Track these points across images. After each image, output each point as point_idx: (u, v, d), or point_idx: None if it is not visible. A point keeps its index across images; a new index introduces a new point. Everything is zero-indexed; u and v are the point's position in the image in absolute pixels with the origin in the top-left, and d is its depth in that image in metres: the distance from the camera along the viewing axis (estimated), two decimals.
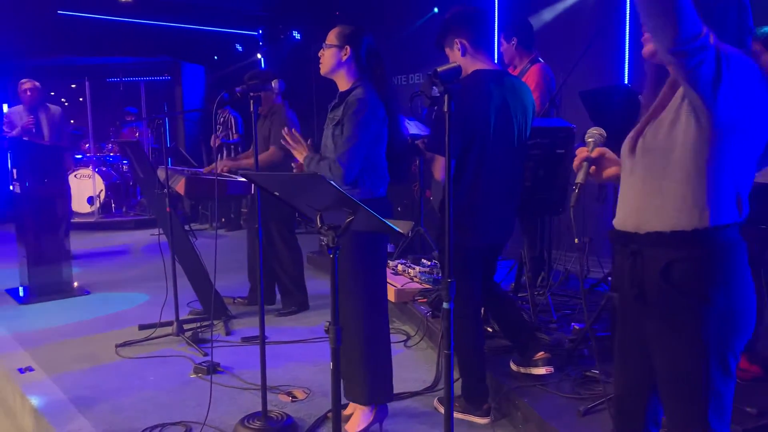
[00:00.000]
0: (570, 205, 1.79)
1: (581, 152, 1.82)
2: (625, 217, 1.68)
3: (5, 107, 10.08)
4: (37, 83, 6.22)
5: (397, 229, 2.05)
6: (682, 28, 1.36)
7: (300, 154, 2.81)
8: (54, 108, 6.33)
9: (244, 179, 4.23)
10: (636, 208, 1.64)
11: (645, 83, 1.80)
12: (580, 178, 1.78)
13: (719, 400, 1.58)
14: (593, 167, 1.81)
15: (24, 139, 5.94)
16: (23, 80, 6.22)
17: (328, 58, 2.79)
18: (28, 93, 6.15)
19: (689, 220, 1.54)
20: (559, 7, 5.86)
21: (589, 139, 1.83)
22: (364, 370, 2.80)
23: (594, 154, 1.80)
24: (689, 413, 1.60)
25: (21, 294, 5.28)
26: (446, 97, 1.71)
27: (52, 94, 11.20)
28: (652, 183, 1.60)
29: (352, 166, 2.68)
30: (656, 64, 1.68)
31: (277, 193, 2.18)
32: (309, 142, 2.83)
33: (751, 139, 1.52)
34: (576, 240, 2.03)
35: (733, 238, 1.55)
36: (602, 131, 1.83)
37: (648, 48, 1.64)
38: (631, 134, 1.68)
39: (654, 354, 1.66)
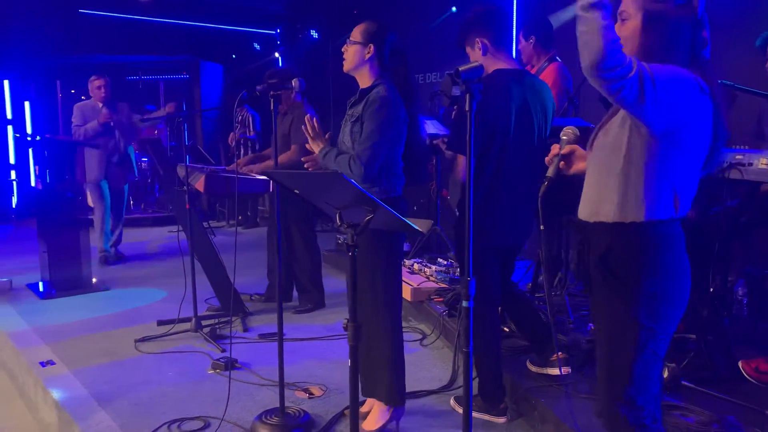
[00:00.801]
0: (539, 195, 1.98)
1: (554, 148, 2.03)
2: (582, 207, 1.89)
3: (27, 105, 10.23)
4: (106, 79, 6.30)
5: (417, 228, 2.06)
6: (602, 61, 1.55)
7: (317, 146, 2.81)
8: (122, 105, 6.44)
9: (263, 177, 4.26)
10: (588, 199, 1.86)
11: None
12: (550, 171, 2.01)
13: (645, 372, 1.77)
14: (563, 162, 2.03)
15: (99, 130, 6.13)
16: (93, 77, 6.31)
17: (351, 55, 2.79)
18: (102, 90, 6.26)
19: (627, 213, 1.74)
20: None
21: (563, 137, 2.03)
22: (387, 368, 2.81)
23: (564, 151, 2.02)
24: (612, 383, 1.80)
25: (41, 289, 5.35)
26: (468, 96, 1.71)
27: (72, 91, 11.30)
28: (600, 178, 1.81)
29: (373, 164, 2.67)
30: None
31: (297, 191, 2.20)
32: (328, 135, 2.84)
33: (691, 145, 1.70)
34: (542, 227, 2.23)
35: (667, 231, 1.74)
36: (575, 130, 2.03)
37: None
38: (593, 132, 1.88)
39: (595, 326, 1.94)
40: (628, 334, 1.76)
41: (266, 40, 10.86)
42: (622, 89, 1.58)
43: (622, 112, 1.74)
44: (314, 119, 2.83)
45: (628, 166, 1.72)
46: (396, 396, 2.84)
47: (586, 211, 1.86)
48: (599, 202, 1.80)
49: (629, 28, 1.77)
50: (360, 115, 2.72)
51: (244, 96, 3.23)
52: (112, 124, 6.18)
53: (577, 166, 2.02)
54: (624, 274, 1.74)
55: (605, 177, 1.78)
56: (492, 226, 2.81)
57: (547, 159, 2.04)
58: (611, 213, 1.76)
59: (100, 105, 6.26)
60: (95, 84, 6.29)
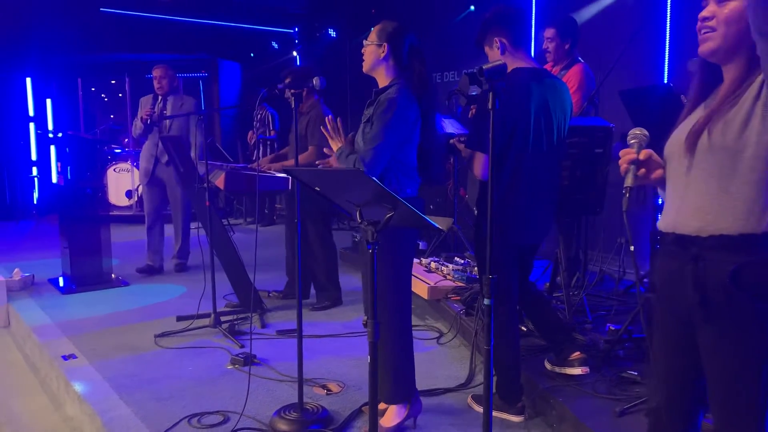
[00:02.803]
0: (623, 210, 1.69)
1: (626, 154, 1.73)
2: (681, 219, 1.62)
3: (49, 102, 10.36)
4: (164, 69, 5.78)
5: (437, 225, 2.07)
6: None
7: (335, 145, 2.83)
8: (186, 98, 5.85)
9: (283, 174, 4.30)
10: (697, 209, 1.59)
11: (690, 83, 1.78)
12: (629, 181, 1.69)
13: None
14: (642, 169, 1.72)
15: (144, 124, 5.61)
16: (154, 67, 5.82)
17: (368, 55, 2.81)
18: (157, 81, 5.75)
19: (759, 223, 1.51)
20: (598, 6, 5.80)
21: (632, 141, 1.75)
22: (390, 367, 2.83)
23: (642, 157, 1.71)
24: (744, 422, 1.58)
25: (62, 284, 5.43)
26: (491, 94, 1.71)
27: (93, 89, 11.44)
28: (717, 184, 1.55)
29: (374, 165, 2.68)
30: (709, 63, 1.66)
31: (317, 188, 2.22)
32: (350, 136, 2.86)
33: None
34: (632, 248, 1.91)
35: None
36: (645, 132, 1.77)
37: (708, 46, 1.61)
38: (686, 132, 1.64)
39: (709, 362, 1.62)
40: (760, 363, 1.53)
41: (284, 39, 10.91)
42: None
43: (745, 105, 1.52)
44: (338, 119, 2.86)
45: (758, 167, 1.50)
46: (399, 395, 2.84)
47: (693, 224, 1.59)
48: (713, 211, 1.56)
49: (732, 8, 1.55)
50: (371, 116, 2.74)
51: (264, 94, 3.25)
52: (149, 120, 5.64)
53: (657, 173, 1.74)
54: (761, 294, 1.51)
55: (724, 182, 1.54)
56: (511, 224, 2.81)
57: (622, 168, 1.74)
58: (736, 223, 1.53)
59: (159, 98, 5.78)
60: (153, 75, 5.78)
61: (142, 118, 5.65)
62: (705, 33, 1.61)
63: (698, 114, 1.67)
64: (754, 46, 1.47)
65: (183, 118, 5.64)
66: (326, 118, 2.89)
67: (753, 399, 1.55)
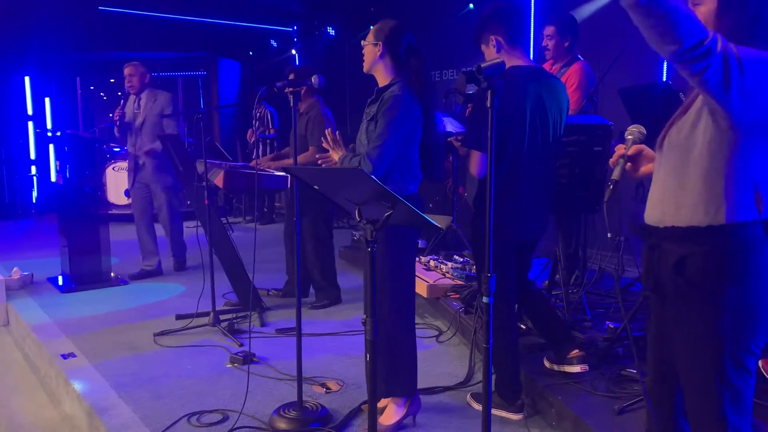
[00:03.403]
0: (604, 200, 1.80)
1: (619, 149, 1.83)
2: (650, 211, 1.73)
3: (47, 101, 10.35)
4: (135, 66, 5.64)
5: (435, 223, 2.07)
6: (682, 40, 1.41)
7: (336, 155, 2.86)
8: (159, 93, 5.72)
9: (282, 173, 4.29)
10: (658, 202, 1.70)
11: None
12: (615, 174, 1.80)
13: (736, 394, 1.61)
14: (629, 164, 1.83)
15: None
16: (124, 65, 5.66)
17: (367, 55, 2.83)
18: (126, 80, 5.63)
19: (704, 216, 1.59)
20: (597, 3, 5.80)
21: (629, 137, 1.84)
22: (389, 363, 2.83)
23: (630, 152, 1.82)
24: (704, 405, 1.65)
25: (61, 283, 5.42)
26: (490, 93, 1.71)
27: (92, 88, 11.43)
28: (673, 179, 1.65)
29: (381, 162, 2.70)
30: None
31: (316, 187, 2.22)
32: (350, 147, 2.87)
33: None
34: (609, 234, 2.09)
35: (751, 235, 1.57)
36: (642, 129, 1.84)
37: None
38: (663, 131, 1.72)
39: (673, 344, 1.72)
40: (708, 350, 1.61)
41: (283, 38, 10.91)
42: (707, 68, 1.43)
43: (696, 106, 1.60)
44: (337, 132, 2.87)
45: (703, 164, 1.58)
46: (398, 389, 2.85)
47: (655, 215, 1.71)
48: (671, 205, 1.65)
49: (702, 13, 1.60)
50: (375, 114, 2.76)
51: (262, 93, 3.25)
52: (117, 122, 5.59)
53: (646, 168, 1.83)
54: (704, 283, 1.59)
55: (678, 177, 1.63)
56: (507, 221, 2.81)
57: (611, 161, 1.84)
58: (686, 216, 1.61)
59: (132, 97, 5.70)
60: (124, 73, 5.65)
61: (114, 120, 5.62)
62: None
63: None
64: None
65: (156, 114, 5.58)
66: (326, 131, 2.90)
67: (709, 384, 1.62)
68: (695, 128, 1.59)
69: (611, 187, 1.78)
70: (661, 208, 1.68)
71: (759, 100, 1.50)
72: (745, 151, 1.54)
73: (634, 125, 1.87)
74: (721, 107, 1.51)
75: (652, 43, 1.46)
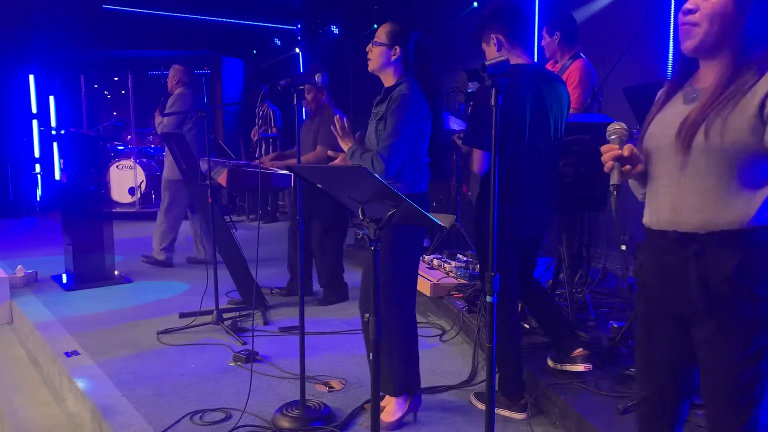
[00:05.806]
0: (611, 209, 1.64)
1: (608, 150, 1.65)
2: (679, 217, 1.60)
3: (51, 99, 10.37)
4: (174, 68, 6.01)
5: (439, 222, 2.06)
6: None
7: (345, 145, 2.84)
8: (177, 89, 5.99)
9: (285, 172, 4.29)
10: (694, 207, 1.57)
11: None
12: (615, 179, 1.63)
13: None
14: (627, 166, 1.66)
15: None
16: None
17: (376, 56, 2.80)
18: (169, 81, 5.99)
19: (759, 219, 1.52)
20: (601, 2, 5.78)
21: (613, 136, 1.67)
22: (393, 361, 2.83)
23: (626, 153, 1.64)
24: (740, 413, 1.60)
25: (64, 281, 5.43)
26: (494, 90, 1.70)
27: (96, 86, 11.45)
28: (716, 181, 1.54)
29: (394, 161, 2.70)
30: (688, 57, 1.65)
31: (319, 185, 2.21)
32: (357, 135, 2.86)
33: None
34: (623, 247, 1.92)
35: None
36: (624, 126, 1.70)
37: (691, 43, 1.59)
38: (674, 128, 1.60)
39: (707, 357, 1.63)
40: (762, 361, 1.55)
41: (287, 36, 10.90)
42: None
43: (744, 108, 1.50)
44: (345, 119, 2.86)
45: (760, 167, 1.51)
46: (404, 387, 2.85)
47: (693, 221, 1.58)
48: (713, 208, 1.55)
49: (717, 1, 1.53)
50: (384, 113, 2.75)
51: (266, 91, 3.24)
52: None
53: (639, 168, 1.70)
54: (763, 288, 1.53)
55: (724, 179, 1.53)
56: (508, 219, 2.79)
57: (606, 167, 1.67)
58: (738, 218, 1.53)
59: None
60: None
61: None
62: (686, 27, 1.58)
63: (680, 107, 1.64)
64: (741, 42, 1.49)
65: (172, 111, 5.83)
66: (335, 117, 2.89)
67: (750, 390, 1.57)
68: (745, 134, 1.49)
69: (615, 194, 1.63)
70: (701, 214, 1.57)
71: None
72: None
73: (616, 122, 1.70)
74: None
75: None
